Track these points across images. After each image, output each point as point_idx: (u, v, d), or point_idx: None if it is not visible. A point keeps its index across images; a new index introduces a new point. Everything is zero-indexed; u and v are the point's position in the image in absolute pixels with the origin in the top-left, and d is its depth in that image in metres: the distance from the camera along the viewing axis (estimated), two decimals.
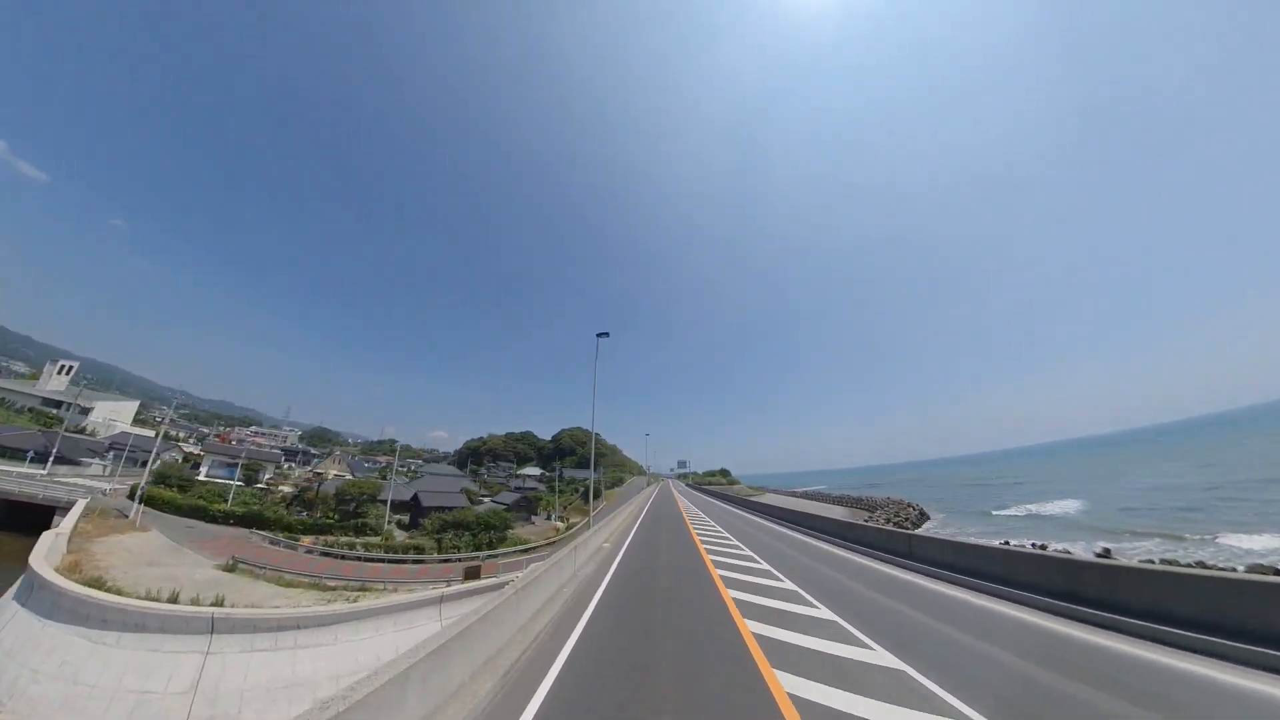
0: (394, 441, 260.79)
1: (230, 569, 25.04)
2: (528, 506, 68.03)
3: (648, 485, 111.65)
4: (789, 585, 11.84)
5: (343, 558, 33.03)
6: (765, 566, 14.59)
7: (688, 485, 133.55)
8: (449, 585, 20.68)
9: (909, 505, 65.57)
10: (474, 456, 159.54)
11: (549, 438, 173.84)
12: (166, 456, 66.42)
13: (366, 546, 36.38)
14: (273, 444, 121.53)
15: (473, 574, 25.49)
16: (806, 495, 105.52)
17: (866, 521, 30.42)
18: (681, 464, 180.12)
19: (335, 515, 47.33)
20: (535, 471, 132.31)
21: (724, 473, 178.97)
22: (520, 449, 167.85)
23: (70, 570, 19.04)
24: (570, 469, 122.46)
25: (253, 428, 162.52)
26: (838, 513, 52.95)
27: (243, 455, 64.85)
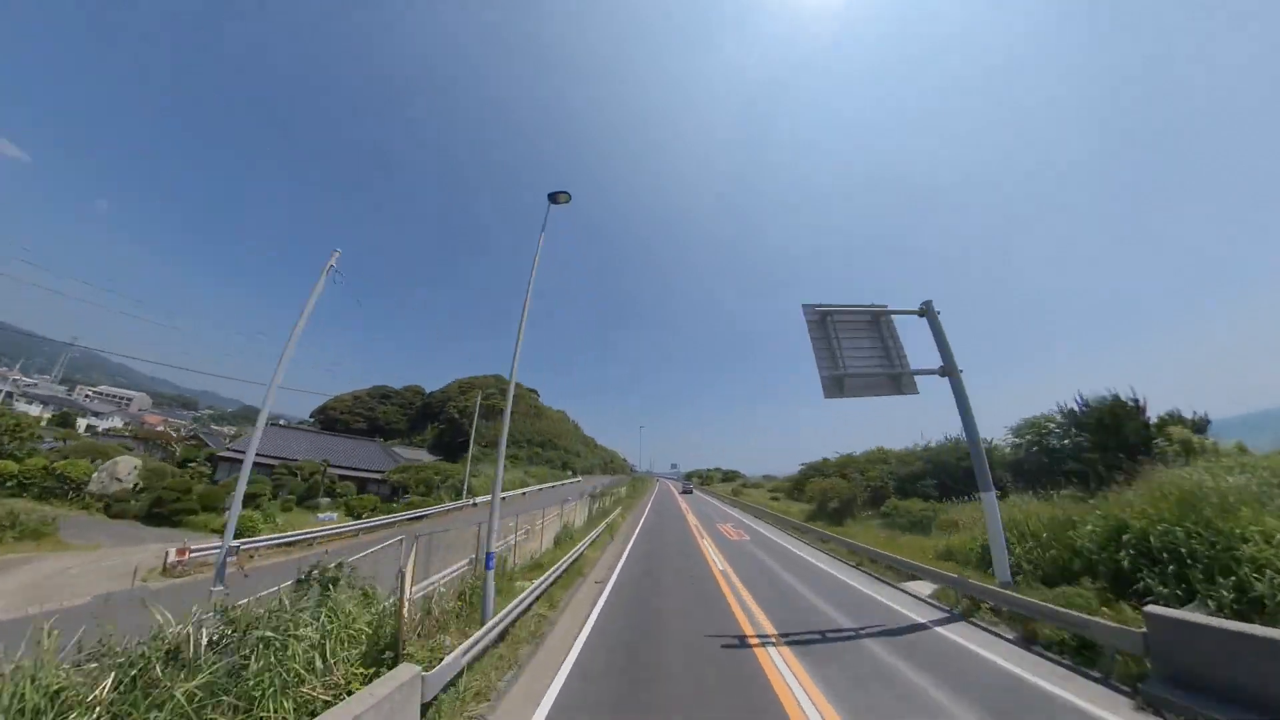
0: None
1: None
2: None
3: (600, 530, 21.83)
4: None
5: None
6: None
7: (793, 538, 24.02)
8: None
9: None
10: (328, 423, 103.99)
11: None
12: None
13: None
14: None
15: None
16: None
17: None
18: None
19: None
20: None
21: None
22: (384, 412, 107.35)
23: None
24: (416, 449, 70.23)
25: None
26: None
27: None
